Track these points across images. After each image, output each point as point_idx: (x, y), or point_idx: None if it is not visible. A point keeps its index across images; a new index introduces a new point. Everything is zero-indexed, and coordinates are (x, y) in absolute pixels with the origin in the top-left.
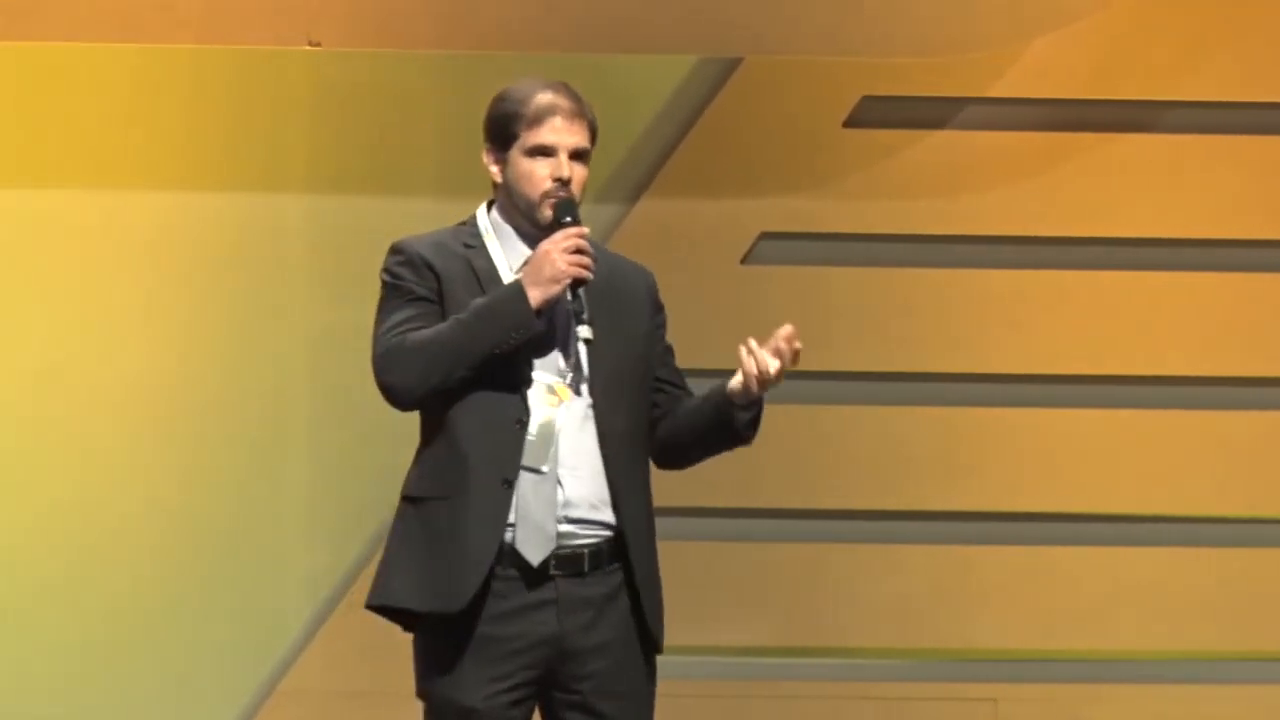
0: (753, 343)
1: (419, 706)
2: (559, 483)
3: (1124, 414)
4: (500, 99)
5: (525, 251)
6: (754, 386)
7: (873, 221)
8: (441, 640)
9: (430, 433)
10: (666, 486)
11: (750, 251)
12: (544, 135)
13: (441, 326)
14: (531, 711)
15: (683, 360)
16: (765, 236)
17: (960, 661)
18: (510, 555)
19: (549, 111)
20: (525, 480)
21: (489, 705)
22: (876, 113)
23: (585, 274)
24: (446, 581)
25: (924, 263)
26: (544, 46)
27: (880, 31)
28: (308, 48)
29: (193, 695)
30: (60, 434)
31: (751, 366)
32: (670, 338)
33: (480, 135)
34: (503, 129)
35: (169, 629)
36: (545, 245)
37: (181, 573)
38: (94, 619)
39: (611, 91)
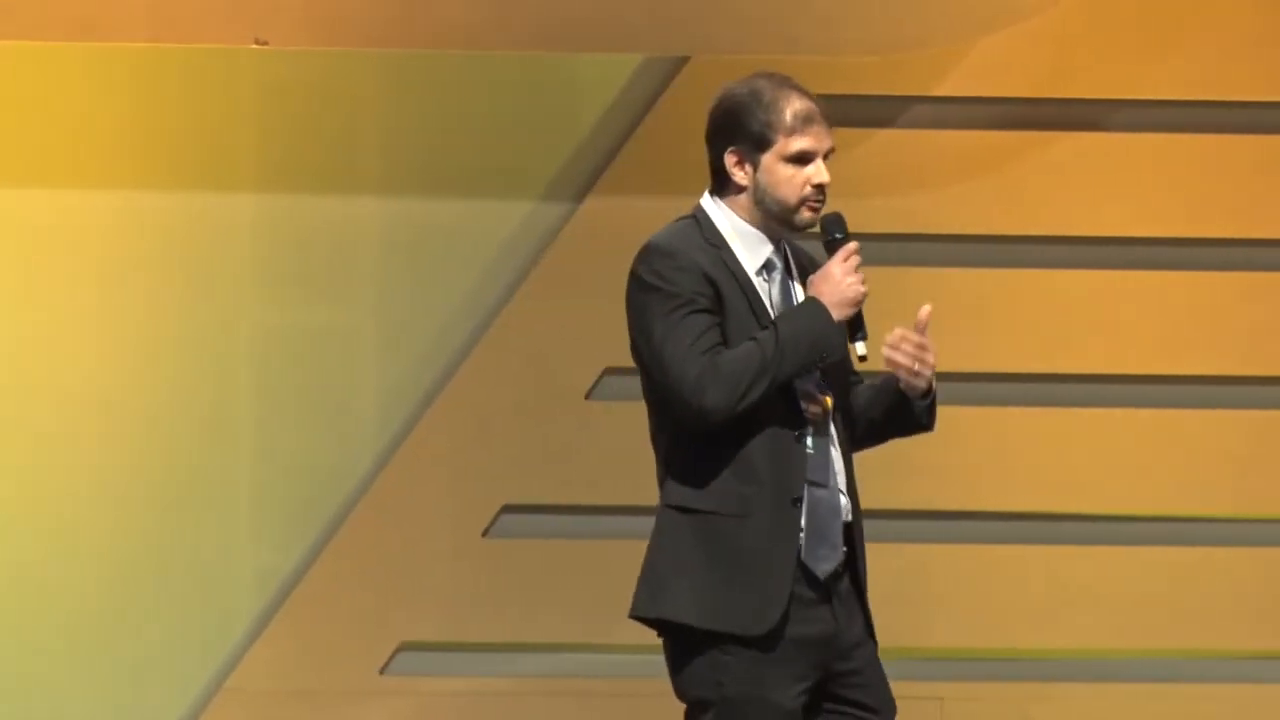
0: (890, 350)
1: (364, 704)
2: (841, 492)
3: (1077, 412)
4: (742, 102)
5: (767, 251)
6: (913, 385)
7: None
8: (739, 649)
9: (703, 446)
10: (609, 483)
11: None
12: (806, 142)
13: (750, 348)
14: (818, 706)
15: (629, 358)
16: None
17: (907, 660)
18: (799, 563)
19: (809, 119)
20: (814, 495)
21: (796, 705)
22: (824, 111)
23: (866, 291)
24: (747, 602)
25: (873, 261)
26: (492, 45)
27: (828, 30)
28: (256, 47)
29: (140, 693)
30: (8, 432)
31: (902, 367)
32: (616, 336)
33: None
34: (754, 133)
35: (117, 627)
36: (832, 268)
37: (129, 571)
38: (42, 617)
39: (558, 90)
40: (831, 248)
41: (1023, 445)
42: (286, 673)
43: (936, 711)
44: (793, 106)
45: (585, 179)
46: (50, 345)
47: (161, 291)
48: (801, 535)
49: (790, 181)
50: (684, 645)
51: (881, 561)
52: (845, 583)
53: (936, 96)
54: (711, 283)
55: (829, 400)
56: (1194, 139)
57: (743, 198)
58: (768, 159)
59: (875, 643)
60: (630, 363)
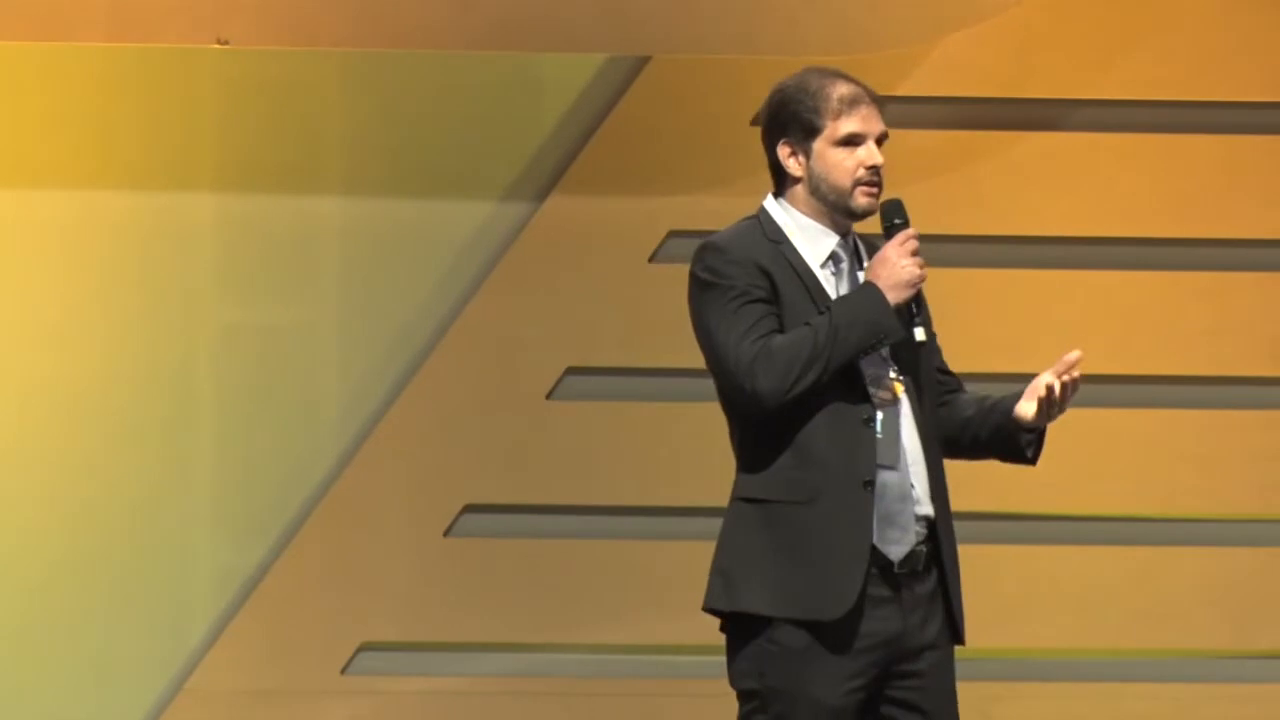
0: (1053, 382)
1: (325, 703)
2: (911, 480)
3: None
4: (790, 94)
5: (831, 242)
6: (1044, 415)
7: None
8: (798, 639)
9: (770, 435)
10: (571, 483)
11: (658, 250)
12: (854, 124)
13: (803, 331)
14: (875, 706)
15: (591, 358)
16: (674, 235)
17: None
18: (871, 554)
19: (855, 100)
20: (883, 479)
21: (845, 703)
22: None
23: (924, 275)
24: (820, 587)
25: None
26: (453, 45)
27: (790, 30)
28: (217, 46)
29: (100, 694)
30: None
31: (1045, 399)
32: (578, 336)
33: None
34: (802, 121)
35: (76, 627)
36: (888, 251)
37: (88, 571)
38: (1, 618)
39: (520, 90)
40: (890, 234)
41: None
42: (248, 673)
43: None
44: (838, 91)
45: (547, 179)
46: (10, 344)
47: (123, 291)
48: (873, 520)
49: (842, 165)
50: (740, 636)
51: None
52: (928, 583)
53: (898, 96)
54: (767, 275)
55: (899, 385)
56: (1155, 139)
57: (800, 190)
58: (818, 146)
59: (956, 645)
60: (591, 362)
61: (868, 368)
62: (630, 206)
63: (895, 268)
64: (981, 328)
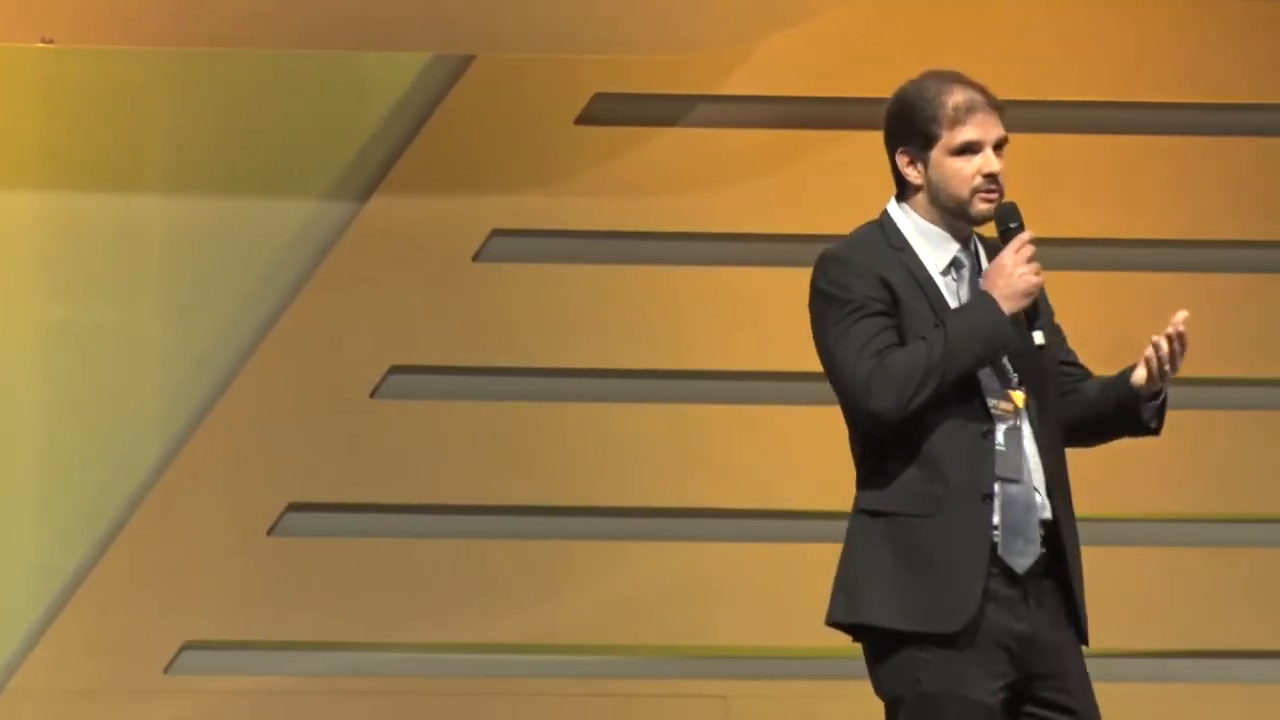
0: (1158, 339)
1: (149, 703)
2: (1035, 489)
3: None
4: (906, 100)
5: (953, 249)
6: (1156, 377)
7: (605, 219)
8: (936, 647)
9: (890, 447)
10: (394, 482)
11: (482, 249)
12: (970, 133)
13: (919, 346)
14: (1015, 707)
15: (415, 357)
16: (497, 234)
17: (691, 658)
18: (996, 557)
19: (971, 108)
20: (1006, 491)
21: (995, 701)
22: (608, 110)
23: (1040, 282)
24: (940, 600)
25: (656, 260)
26: (278, 44)
27: (613, 29)
28: (41, 45)
29: None
30: None
31: (1154, 358)
32: (402, 335)
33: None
34: (920, 131)
35: None
36: (1004, 259)
37: None
38: None
39: (344, 89)
40: (1006, 238)
41: (809, 443)
42: (70, 673)
43: (721, 710)
44: (954, 99)
45: (371, 178)
46: None
47: None
48: (997, 532)
49: (959, 174)
50: (882, 646)
51: (664, 560)
52: (1049, 584)
53: (720, 95)
54: (886, 285)
55: (1020, 396)
56: None
57: (921, 197)
58: (936, 155)
59: (1083, 645)
60: (415, 361)
61: (987, 380)
62: (454, 205)
63: (1012, 277)
64: (804, 326)
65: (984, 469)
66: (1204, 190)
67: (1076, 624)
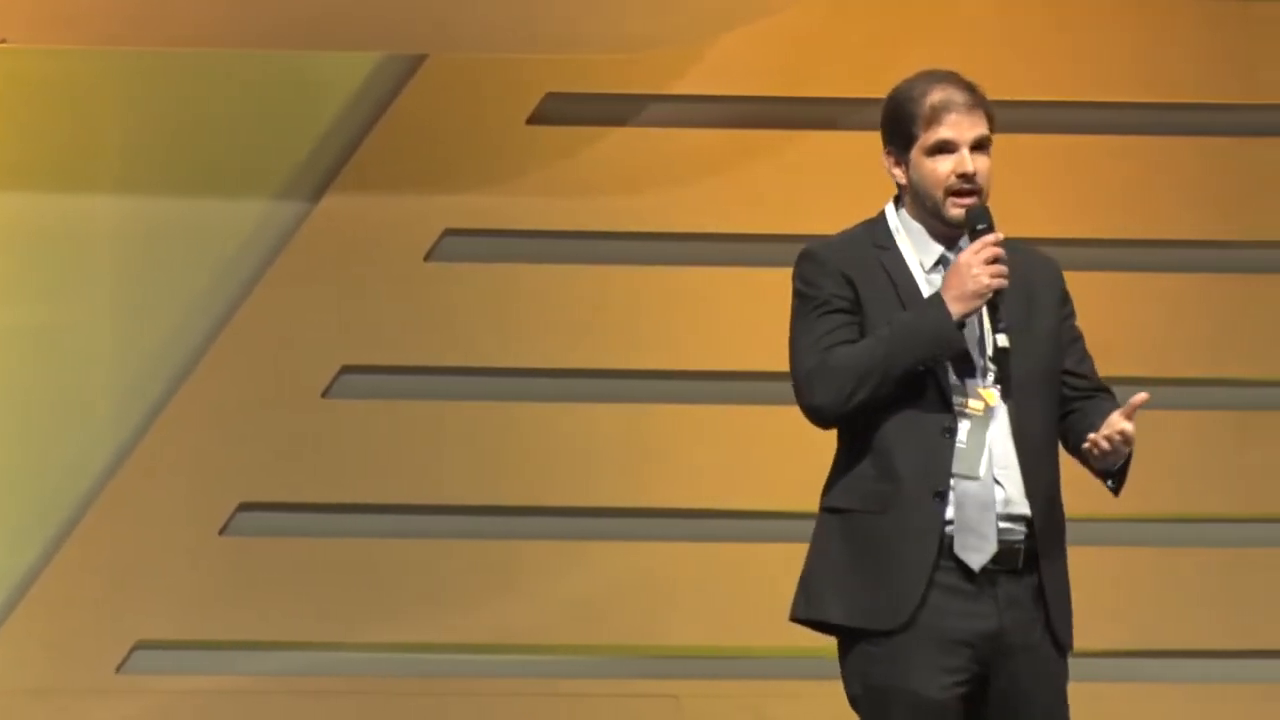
0: (1097, 438)
1: (101, 703)
2: (997, 483)
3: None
4: (892, 99)
5: (938, 249)
6: (1100, 466)
7: (557, 218)
8: (886, 643)
9: (851, 444)
10: (347, 482)
11: (434, 248)
12: (943, 132)
13: (864, 343)
14: (979, 705)
15: (367, 357)
16: (449, 233)
17: (643, 658)
18: (951, 553)
19: (945, 107)
20: (961, 487)
21: (945, 696)
22: (561, 109)
23: (1004, 283)
24: (884, 598)
25: (609, 259)
26: (230, 43)
27: (568, 28)
28: None
29: None
30: None
31: (1098, 447)
32: (354, 334)
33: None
34: (901, 130)
35: None
36: (964, 257)
37: None
38: None
39: (296, 88)
40: (975, 239)
41: (762, 444)
42: (22, 672)
43: (673, 709)
44: (931, 98)
45: (322, 178)
46: None
47: None
48: (951, 528)
49: (934, 174)
50: (842, 643)
51: (618, 559)
52: (1023, 585)
53: (674, 95)
54: (850, 283)
55: (991, 395)
56: None
57: (908, 197)
58: (914, 155)
59: (1060, 656)
60: (367, 361)
61: (956, 376)
62: (406, 205)
63: (965, 277)
64: (760, 326)
65: (938, 466)
66: (1156, 190)
67: (1052, 629)
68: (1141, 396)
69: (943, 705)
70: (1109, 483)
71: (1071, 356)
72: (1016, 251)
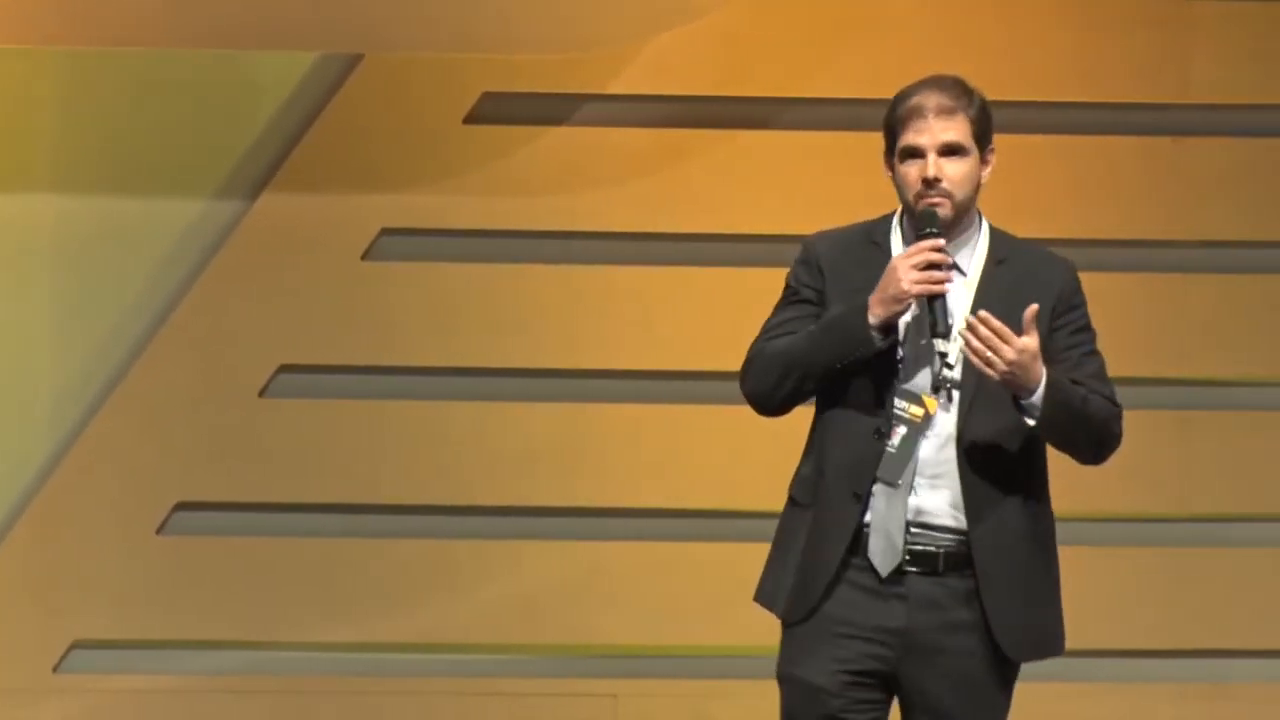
0: (964, 331)
1: (37, 702)
2: (913, 492)
3: (746, 410)
4: (888, 109)
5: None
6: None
7: (494, 217)
8: (799, 630)
9: (810, 436)
10: (284, 481)
11: (371, 247)
12: (909, 137)
13: (796, 337)
14: (883, 705)
15: (304, 356)
16: (386, 233)
17: (581, 657)
18: (865, 549)
19: (914, 113)
20: (879, 493)
21: (833, 683)
22: (497, 109)
23: (935, 289)
24: (795, 589)
25: (545, 259)
26: (165, 42)
27: (504, 28)
28: None
29: None
30: None
31: (968, 348)
32: (291, 334)
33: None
34: (887, 136)
35: None
36: (895, 259)
37: None
38: None
39: (232, 88)
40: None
41: (696, 443)
42: None
43: (611, 709)
44: (907, 104)
45: (259, 176)
46: None
47: None
48: (867, 530)
49: (905, 179)
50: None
51: (555, 559)
52: (955, 587)
53: (610, 95)
54: (823, 274)
55: (933, 402)
56: (862, 136)
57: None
58: (895, 160)
59: (1000, 666)
60: (304, 360)
61: (906, 380)
62: (343, 204)
63: (889, 280)
64: (696, 325)
65: (864, 468)
66: (1089, 189)
67: (990, 637)
68: (1033, 308)
69: (825, 690)
70: (1039, 432)
71: (1062, 365)
72: (1023, 254)
